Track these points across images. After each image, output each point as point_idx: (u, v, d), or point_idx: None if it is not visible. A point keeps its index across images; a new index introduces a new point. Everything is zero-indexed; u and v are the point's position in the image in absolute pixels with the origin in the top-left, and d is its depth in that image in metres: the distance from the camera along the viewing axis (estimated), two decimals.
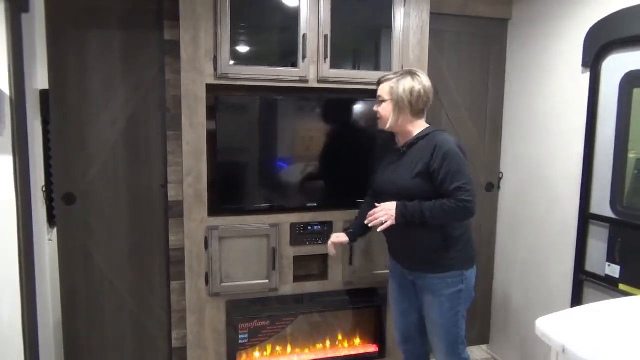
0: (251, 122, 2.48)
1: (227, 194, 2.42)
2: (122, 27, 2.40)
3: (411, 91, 1.98)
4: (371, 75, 2.48)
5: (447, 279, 2.02)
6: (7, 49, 1.90)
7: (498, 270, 3.12)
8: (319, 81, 2.41)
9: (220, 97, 2.33)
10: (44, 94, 2.37)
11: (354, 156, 2.60)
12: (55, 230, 2.56)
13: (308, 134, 2.56)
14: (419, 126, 2.03)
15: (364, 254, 2.59)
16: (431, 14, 2.55)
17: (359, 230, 2.28)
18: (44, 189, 2.35)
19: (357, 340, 2.75)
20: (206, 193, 2.34)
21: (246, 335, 2.55)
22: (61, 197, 2.44)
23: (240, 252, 2.42)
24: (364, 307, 2.71)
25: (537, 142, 2.74)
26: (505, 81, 3.01)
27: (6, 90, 1.91)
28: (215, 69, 2.26)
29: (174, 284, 2.61)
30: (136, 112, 2.47)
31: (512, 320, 2.99)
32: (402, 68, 2.50)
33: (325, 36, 2.36)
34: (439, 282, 2.02)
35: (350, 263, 2.56)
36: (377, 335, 2.74)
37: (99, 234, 2.52)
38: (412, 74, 2.01)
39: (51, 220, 2.50)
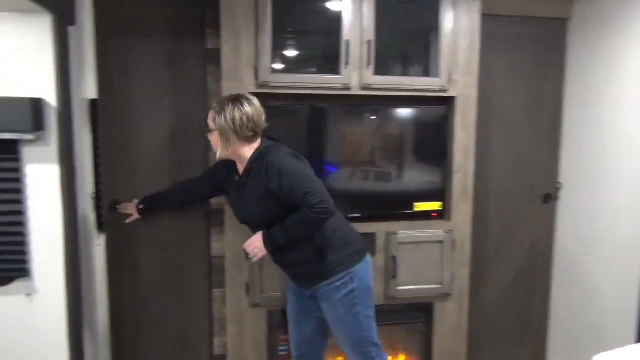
0: (293, 132, 2.43)
1: None
2: (166, 36, 2.42)
3: (233, 120, 1.89)
4: (418, 82, 2.40)
5: (335, 283, 2.00)
6: (54, 61, 1.95)
7: (556, 290, 2.90)
8: (362, 88, 2.33)
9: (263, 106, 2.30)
10: (93, 103, 2.43)
11: (399, 166, 2.50)
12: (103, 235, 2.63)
13: (352, 143, 2.48)
14: (253, 149, 1.97)
15: (410, 268, 2.48)
16: (482, 15, 2.42)
17: (154, 204, 2.36)
18: (93, 197, 2.41)
19: (402, 358, 2.64)
20: None
21: (286, 347, 2.50)
22: (109, 204, 2.49)
23: None
24: (408, 323, 2.60)
25: (602, 151, 2.53)
26: (564, 85, 2.80)
27: (52, 101, 1.97)
28: (256, 78, 2.23)
29: (216, 292, 2.61)
30: (179, 121, 2.49)
31: (569, 347, 2.77)
32: (451, 73, 2.39)
33: (369, 42, 2.28)
34: (328, 288, 2.02)
35: (394, 277, 2.46)
36: (423, 353, 2.61)
37: (144, 239, 2.56)
38: (234, 100, 1.91)
39: (100, 227, 2.57)
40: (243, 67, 2.23)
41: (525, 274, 2.91)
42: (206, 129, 1.98)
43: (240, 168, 2.02)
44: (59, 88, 1.99)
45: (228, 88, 2.22)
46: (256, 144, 1.97)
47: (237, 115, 1.89)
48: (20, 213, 2.02)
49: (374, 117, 2.53)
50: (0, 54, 1.97)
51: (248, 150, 1.96)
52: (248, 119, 1.90)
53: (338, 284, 2.00)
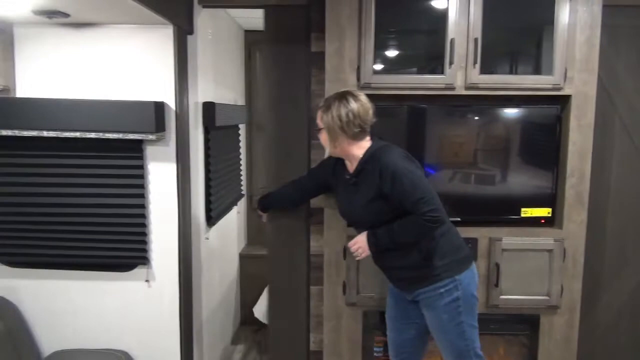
0: (393, 132, 2.39)
1: None
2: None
3: (339, 117, 1.88)
4: (528, 80, 2.26)
5: (439, 289, 1.95)
6: (174, 68, 2.13)
7: None
8: (466, 88, 2.25)
9: None
10: (206, 106, 2.61)
11: (504, 169, 2.38)
12: (211, 229, 2.82)
13: (454, 144, 2.41)
14: (362, 147, 1.95)
15: (514, 276, 2.35)
16: (603, 6, 2.22)
17: (268, 204, 2.40)
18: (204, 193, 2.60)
19: None
20: None
21: (381, 349, 2.50)
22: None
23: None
24: (510, 334, 2.47)
25: None
26: None
27: (172, 104, 2.14)
28: (358, 79, 2.25)
29: (313, 289, 2.67)
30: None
31: None
32: (566, 71, 2.22)
33: (475, 39, 2.20)
34: (432, 294, 1.97)
35: (496, 285, 2.35)
36: None
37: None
38: (340, 97, 1.91)
39: (209, 221, 2.75)
40: (346, 68, 2.25)
41: None
42: (315, 128, 2.03)
43: (350, 166, 2.02)
44: (178, 92, 2.16)
45: (331, 90, 2.26)
46: (366, 143, 1.96)
47: (343, 112, 1.89)
48: (143, 206, 2.23)
49: (477, 118, 2.44)
50: (128, 62, 2.19)
51: (357, 149, 1.95)
52: (354, 115, 1.89)
53: (442, 290, 1.96)
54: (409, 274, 2.01)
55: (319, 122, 1.98)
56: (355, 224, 2.08)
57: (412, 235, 1.90)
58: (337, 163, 2.10)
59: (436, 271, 1.95)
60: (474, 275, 2.02)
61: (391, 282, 2.16)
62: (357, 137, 1.93)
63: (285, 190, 2.40)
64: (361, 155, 1.95)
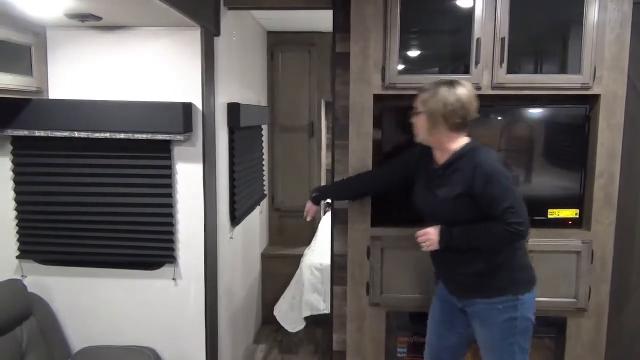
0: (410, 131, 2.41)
1: (390, 204, 2.39)
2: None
3: (444, 104, 1.78)
4: (555, 79, 2.24)
5: (497, 305, 1.84)
6: (201, 69, 2.16)
7: None
8: (493, 87, 2.23)
9: (386, 107, 2.31)
10: (231, 106, 2.64)
11: (528, 169, 2.37)
12: (235, 228, 2.84)
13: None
14: (457, 142, 1.85)
15: (540, 278, 2.31)
16: (634, 4, 2.18)
17: (328, 194, 2.37)
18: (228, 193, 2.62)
19: None
20: (370, 203, 2.34)
21: (405, 349, 2.49)
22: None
23: (401, 264, 2.37)
24: (536, 337, 2.42)
25: None
26: None
27: (199, 105, 2.17)
28: (383, 80, 2.25)
29: (337, 289, 2.67)
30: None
31: None
32: (595, 69, 2.19)
33: (502, 39, 2.18)
34: (488, 308, 1.86)
35: None
36: None
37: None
38: (450, 84, 1.81)
39: (233, 220, 2.78)
40: (370, 68, 2.25)
41: None
42: (414, 111, 1.92)
43: (439, 157, 1.92)
44: (205, 93, 2.19)
45: (355, 90, 2.27)
46: (463, 138, 1.87)
47: (451, 98, 1.79)
48: (171, 205, 2.26)
49: (501, 118, 2.42)
50: (157, 64, 2.23)
51: (453, 141, 1.86)
52: (461, 105, 1.79)
53: (500, 306, 1.85)
54: (470, 280, 1.91)
55: (419, 106, 1.87)
56: (430, 217, 1.96)
57: (490, 243, 1.81)
58: (423, 153, 1.99)
59: (500, 284, 1.86)
60: (534, 298, 1.91)
61: (444, 284, 2.05)
62: (455, 128, 1.83)
63: (348, 181, 2.28)
64: (456, 149, 1.85)
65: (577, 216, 2.34)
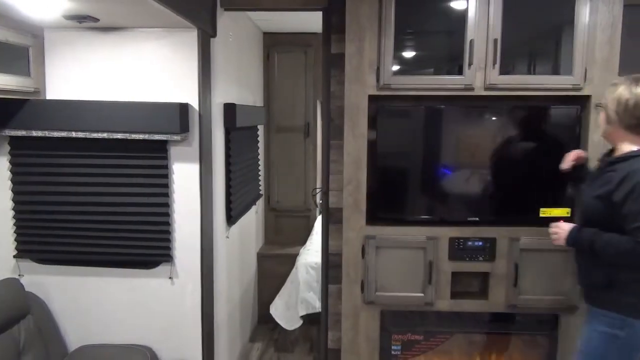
0: (411, 133, 2.44)
1: (385, 204, 2.42)
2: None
3: (619, 101, 1.71)
4: (547, 81, 2.27)
5: (603, 317, 1.79)
6: (198, 70, 2.18)
7: None
8: (486, 88, 2.26)
9: (380, 107, 2.34)
10: (227, 107, 2.66)
11: (523, 169, 2.40)
12: (231, 228, 2.86)
13: (472, 145, 2.43)
14: (628, 144, 1.75)
15: (533, 276, 2.36)
16: (625, 6, 2.21)
17: None
18: (224, 193, 2.64)
19: None
20: (365, 202, 2.37)
21: (399, 347, 2.52)
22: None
23: (396, 263, 2.40)
24: (527, 334, 2.47)
25: None
26: None
27: (195, 105, 2.19)
28: (378, 80, 2.27)
29: (332, 287, 2.69)
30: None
31: None
32: (586, 70, 2.23)
33: (495, 40, 2.21)
34: (595, 314, 1.83)
35: (515, 285, 2.36)
36: None
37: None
38: (634, 80, 1.71)
39: (229, 219, 2.80)
40: (365, 69, 2.28)
41: None
42: (597, 104, 1.92)
43: (613, 157, 1.82)
44: (201, 94, 2.21)
45: (350, 90, 2.30)
46: (634, 139, 1.74)
47: (625, 96, 1.71)
48: (167, 205, 2.28)
49: (495, 118, 2.45)
50: (154, 64, 2.24)
51: (625, 142, 1.76)
52: (635, 104, 1.69)
53: (605, 319, 1.78)
54: (588, 286, 1.88)
55: (602, 100, 1.84)
56: (578, 213, 1.95)
57: (614, 254, 1.71)
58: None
59: (611, 300, 1.78)
60: None
61: (578, 282, 2.02)
62: (630, 129, 1.73)
63: None
64: (625, 152, 1.75)
65: (569, 215, 2.37)
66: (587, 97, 2.27)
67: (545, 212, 2.38)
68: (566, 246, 1.87)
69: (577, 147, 2.32)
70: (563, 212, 2.37)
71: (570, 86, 2.25)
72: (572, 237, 1.83)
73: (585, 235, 1.79)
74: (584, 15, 2.22)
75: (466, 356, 2.53)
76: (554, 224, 1.93)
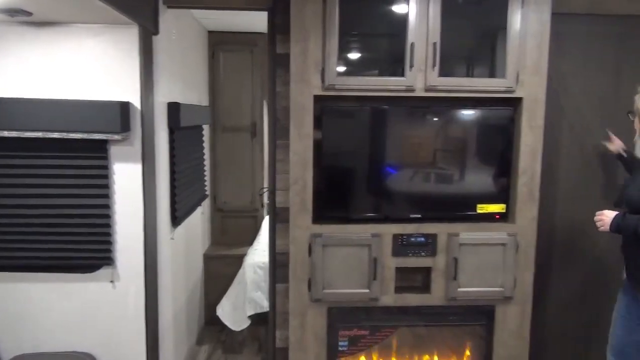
0: (356, 133, 2.49)
1: (331, 202, 2.45)
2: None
3: None
4: (483, 83, 2.38)
5: None
6: (139, 68, 2.12)
7: None
8: (426, 90, 2.34)
9: (325, 107, 2.37)
10: (171, 106, 2.61)
11: (461, 168, 2.50)
12: (177, 229, 2.81)
13: (414, 145, 2.50)
14: None
15: (471, 269, 2.47)
16: (553, 14, 2.36)
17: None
18: (169, 193, 2.59)
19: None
20: (311, 201, 2.39)
21: (346, 343, 2.56)
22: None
23: (342, 260, 2.44)
24: (467, 325, 2.58)
25: None
26: None
27: (137, 104, 2.14)
28: (323, 81, 2.31)
29: (279, 286, 2.70)
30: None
31: None
32: (518, 74, 2.36)
33: (434, 44, 2.30)
34: None
35: (455, 278, 2.46)
36: (483, 357, 2.59)
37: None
38: None
39: (174, 221, 2.75)
40: (310, 69, 2.30)
41: (595, 282, 2.80)
42: (628, 112, 2.04)
43: None
44: (143, 92, 2.16)
45: (295, 90, 2.32)
46: None
47: None
48: (108, 207, 2.21)
49: (436, 119, 2.54)
50: (93, 62, 2.17)
51: None
52: None
53: None
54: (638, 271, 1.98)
55: (636, 107, 1.98)
56: (625, 204, 2.02)
57: None
58: None
59: None
60: None
61: (627, 279, 2.10)
62: None
63: None
64: None
65: (504, 211, 2.50)
66: (519, 100, 2.41)
67: (482, 208, 2.49)
68: (610, 232, 1.96)
69: (510, 145, 2.46)
70: (499, 207, 2.49)
71: (504, 88, 2.37)
72: (616, 223, 1.93)
73: (630, 221, 1.89)
74: (515, 22, 2.35)
75: (410, 348, 2.61)
76: (598, 212, 2.01)
